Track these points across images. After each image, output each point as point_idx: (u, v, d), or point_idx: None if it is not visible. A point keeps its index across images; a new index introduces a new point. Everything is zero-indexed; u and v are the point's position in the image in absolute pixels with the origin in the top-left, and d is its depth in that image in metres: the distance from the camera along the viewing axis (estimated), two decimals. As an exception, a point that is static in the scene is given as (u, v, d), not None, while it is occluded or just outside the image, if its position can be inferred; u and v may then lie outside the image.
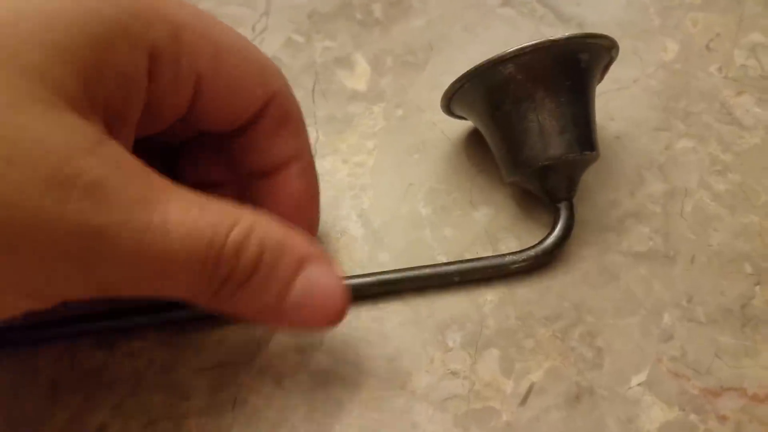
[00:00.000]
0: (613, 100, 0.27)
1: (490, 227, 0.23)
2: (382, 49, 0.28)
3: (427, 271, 0.22)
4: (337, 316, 0.17)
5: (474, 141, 0.25)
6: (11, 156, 0.13)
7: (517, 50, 0.21)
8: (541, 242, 0.22)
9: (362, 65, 0.28)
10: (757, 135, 0.26)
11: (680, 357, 0.21)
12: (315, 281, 0.17)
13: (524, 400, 0.20)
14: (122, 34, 0.15)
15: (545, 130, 0.21)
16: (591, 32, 0.21)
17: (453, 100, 0.23)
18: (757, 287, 0.22)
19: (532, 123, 0.21)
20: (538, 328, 0.21)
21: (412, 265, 0.22)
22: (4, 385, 0.20)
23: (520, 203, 0.24)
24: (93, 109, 0.14)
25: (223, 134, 0.19)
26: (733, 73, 0.28)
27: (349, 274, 0.22)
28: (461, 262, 0.22)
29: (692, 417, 0.20)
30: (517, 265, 0.22)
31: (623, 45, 0.29)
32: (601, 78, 0.24)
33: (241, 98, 0.18)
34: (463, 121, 0.25)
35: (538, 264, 0.22)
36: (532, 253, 0.22)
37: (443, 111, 0.24)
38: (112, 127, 0.15)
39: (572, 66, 0.22)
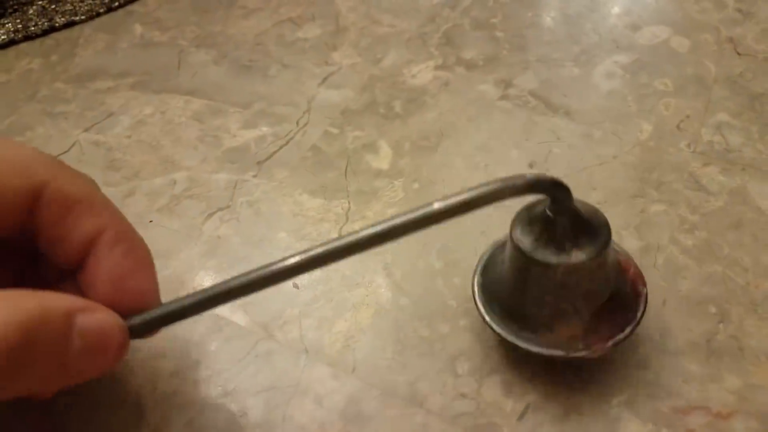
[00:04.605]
0: (596, 173, 0.32)
1: (493, 278, 0.28)
2: (402, 136, 0.35)
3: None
4: (122, 349, 0.19)
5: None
6: None
7: None
8: None
9: (385, 149, 0.34)
10: (721, 199, 0.31)
11: (654, 381, 0.25)
12: (89, 325, 0.18)
13: (522, 417, 0.24)
14: None
15: None
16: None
17: None
18: (721, 325, 0.26)
19: None
20: (533, 359, 0.26)
21: (426, 309, 0.27)
22: (98, 405, 0.25)
23: (518, 258, 0.29)
24: None
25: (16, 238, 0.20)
26: (701, 148, 0.33)
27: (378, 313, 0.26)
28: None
29: (664, 431, 0.24)
30: None
31: (604, 127, 0.34)
32: None
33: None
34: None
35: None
36: None
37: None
38: None
39: None
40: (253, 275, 0.21)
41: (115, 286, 0.20)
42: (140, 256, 0.21)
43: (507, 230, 0.26)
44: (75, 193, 0.20)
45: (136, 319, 0.21)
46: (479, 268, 0.26)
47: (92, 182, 0.21)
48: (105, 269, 0.20)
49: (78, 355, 0.18)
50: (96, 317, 0.18)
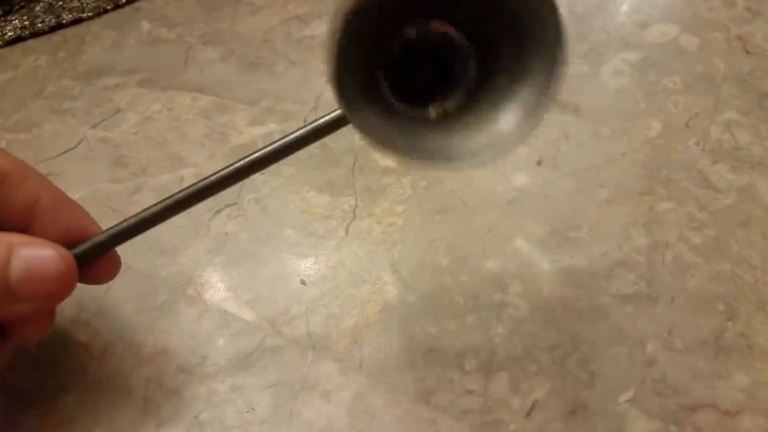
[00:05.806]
0: (605, 171, 0.32)
1: (500, 274, 0.28)
2: (410, 133, 0.34)
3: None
4: (64, 280, 0.20)
5: (485, 205, 0.31)
6: None
7: None
8: None
9: (393, 146, 0.34)
10: (730, 197, 0.31)
11: (661, 379, 0.25)
12: (30, 256, 0.20)
13: (528, 414, 0.24)
14: None
15: None
16: None
17: None
18: (729, 322, 0.26)
19: None
20: (541, 356, 0.26)
21: (433, 306, 0.27)
22: (105, 400, 0.25)
23: (526, 257, 0.29)
24: None
25: None
26: (709, 145, 0.33)
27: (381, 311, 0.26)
28: None
29: (672, 428, 0.24)
30: None
31: (613, 125, 0.34)
32: None
33: None
34: (479, 191, 0.31)
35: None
36: None
37: None
38: None
39: None
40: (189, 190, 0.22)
41: (67, 246, 0.21)
42: (82, 214, 0.23)
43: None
44: (5, 166, 0.21)
45: (86, 244, 0.22)
46: None
47: (22, 161, 0.22)
48: (53, 232, 0.21)
49: (19, 280, 0.19)
50: (38, 248, 0.20)
